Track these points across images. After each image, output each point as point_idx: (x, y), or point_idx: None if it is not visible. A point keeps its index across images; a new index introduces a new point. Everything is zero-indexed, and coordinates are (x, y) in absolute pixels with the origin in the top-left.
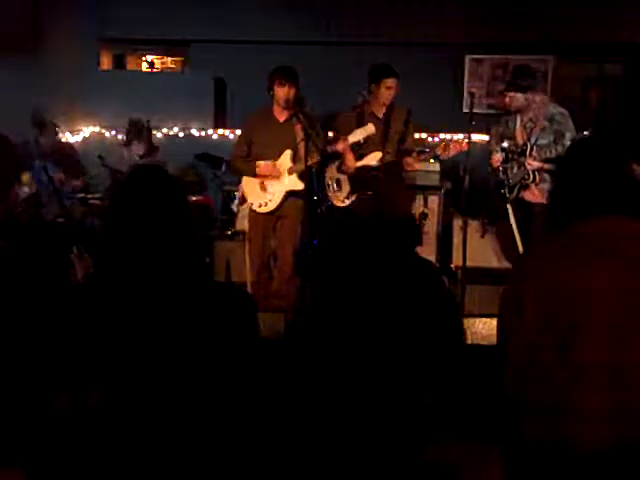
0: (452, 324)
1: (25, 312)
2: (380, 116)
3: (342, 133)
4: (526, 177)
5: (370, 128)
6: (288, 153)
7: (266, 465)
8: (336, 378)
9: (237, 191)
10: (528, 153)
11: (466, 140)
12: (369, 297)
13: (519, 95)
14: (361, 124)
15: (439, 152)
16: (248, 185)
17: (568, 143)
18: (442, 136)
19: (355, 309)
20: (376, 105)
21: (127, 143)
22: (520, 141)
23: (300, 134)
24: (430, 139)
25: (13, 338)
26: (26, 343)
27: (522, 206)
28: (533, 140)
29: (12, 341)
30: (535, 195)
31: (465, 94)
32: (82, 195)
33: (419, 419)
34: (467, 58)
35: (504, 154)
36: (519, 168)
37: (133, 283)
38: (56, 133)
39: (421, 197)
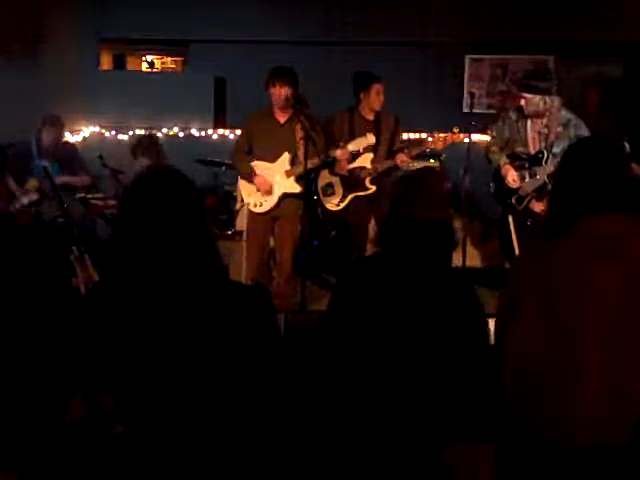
0: (480, 332)
1: (25, 312)
2: (371, 119)
3: (336, 133)
4: (543, 186)
5: (370, 138)
6: (286, 156)
7: (285, 465)
8: (362, 378)
9: (236, 191)
10: (545, 161)
11: (458, 131)
12: (399, 298)
13: (537, 98)
14: (352, 127)
15: (432, 145)
16: (245, 184)
17: None
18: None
19: (384, 309)
20: (366, 110)
21: (134, 157)
22: (532, 149)
23: (300, 135)
24: (430, 139)
25: (12, 339)
26: (26, 343)
27: (528, 217)
28: (549, 148)
29: (12, 341)
30: (545, 207)
31: (465, 94)
32: (82, 195)
33: (440, 421)
34: (467, 58)
35: (515, 163)
36: (531, 177)
37: (149, 285)
38: (61, 131)
39: None
